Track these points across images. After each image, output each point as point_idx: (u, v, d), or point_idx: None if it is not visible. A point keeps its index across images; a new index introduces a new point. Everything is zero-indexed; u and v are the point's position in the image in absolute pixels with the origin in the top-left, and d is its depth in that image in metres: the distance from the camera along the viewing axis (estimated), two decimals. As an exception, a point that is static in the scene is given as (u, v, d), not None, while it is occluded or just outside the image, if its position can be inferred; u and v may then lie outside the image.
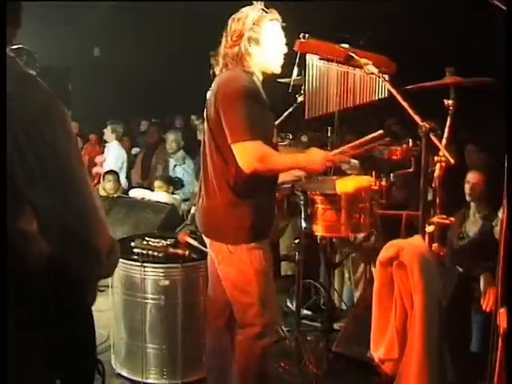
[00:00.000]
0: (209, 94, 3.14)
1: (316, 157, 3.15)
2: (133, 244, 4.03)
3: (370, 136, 3.41)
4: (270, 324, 3.21)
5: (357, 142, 3.42)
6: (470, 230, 4.38)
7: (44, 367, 1.70)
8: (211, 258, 3.30)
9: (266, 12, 3.08)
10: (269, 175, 3.11)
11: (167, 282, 3.86)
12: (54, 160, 1.60)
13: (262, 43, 3.07)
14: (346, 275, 5.10)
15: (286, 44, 3.21)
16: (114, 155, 8.53)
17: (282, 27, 3.17)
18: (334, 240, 4.32)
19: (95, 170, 8.60)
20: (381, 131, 3.42)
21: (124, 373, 4.06)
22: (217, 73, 3.18)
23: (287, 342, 4.25)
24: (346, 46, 3.78)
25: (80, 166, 1.69)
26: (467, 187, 4.52)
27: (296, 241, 4.06)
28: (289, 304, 5.11)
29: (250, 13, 3.05)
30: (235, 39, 3.04)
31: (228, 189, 3.06)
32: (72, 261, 1.69)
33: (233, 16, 3.10)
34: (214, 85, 3.11)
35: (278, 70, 3.21)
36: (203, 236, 3.31)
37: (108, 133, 8.66)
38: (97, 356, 1.85)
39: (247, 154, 2.91)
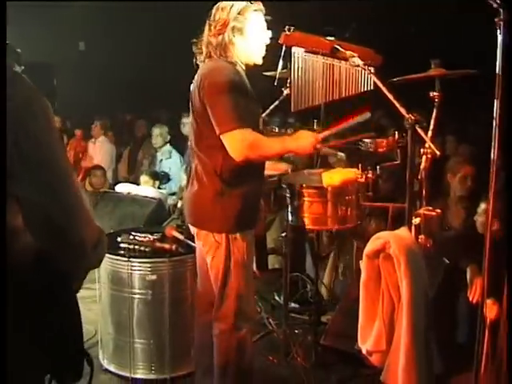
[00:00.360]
0: (192, 86, 3.14)
1: (305, 139, 3.15)
2: (119, 239, 4.01)
3: (359, 136, 3.42)
4: (244, 317, 3.21)
5: (345, 124, 3.39)
6: (454, 221, 4.39)
7: (32, 360, 1.69)
8: (200, 252, 3.29)
9: (251, 2, 3.08)
10: (258, 162, 3.12)
11: (154, 277, 3.85)
12: (37, 153, 1.60)
13: (245, 33, 3.08)
14: (340, 269, 5.10)
15: (272, 37, 3.20)
16: (105, 151, 8.51)
17: (268, 20, 3.16)
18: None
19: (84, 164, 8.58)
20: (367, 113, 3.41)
21: (112, 368, 4.04)
22: (199, 62, 3.18)
23: (275, 335, 4.26)
24: (331, 38, 3.77)
25: (64, 159, 1.69)
26: (455, 179, 4.54)
27: (283, 234, 4.05)
28: (276, 297, 5.11)
29: (234, 2, 3.05)
30: (219, 28, 3.04)
31: (215, 178, 3.06)
32: (58, 253, 1.68)
33: (217, 4, 3.09)
34: (197, 76, 3.10)
35: (259, 61, 3.20)
36: (190, 226, 3.31)
37: (96, 128, 8.62)
38: (84, 348, 1.84)
39: (237, 143, 2.91)
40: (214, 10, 3.08)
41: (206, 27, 3.10)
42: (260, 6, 3.13)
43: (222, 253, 3.11)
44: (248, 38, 3.09)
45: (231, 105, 2.90)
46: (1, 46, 1.62)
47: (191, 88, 3.16)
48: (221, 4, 3.08)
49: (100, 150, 8.61)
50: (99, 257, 1.82)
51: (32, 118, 1.60)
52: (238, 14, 3.03)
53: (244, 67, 3.16)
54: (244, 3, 3.06)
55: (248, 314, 3.26)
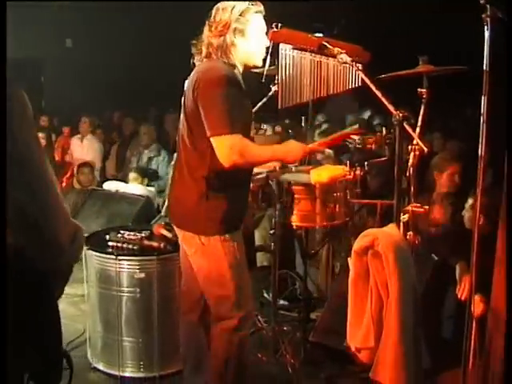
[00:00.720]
0: (187, 83, 3.10)
1: (293, 148, 3.16)
2: (107, 237, 3.99)
3: (346, 132, 3.42)
4: (247, 316, 3.21)
5: (333, 137, 3.42)
6: (440, 217, 4.39)
7: (10, 359, 1.68)
8: (183, 251, 3.28)
9: (252, 4, 3.05)
10: (246, 168, 3.11)
11: (143, 275, 3.84)
12: (13, 149, 1.58)
13: (247, 35, 3.04)
14: (337, 268, 5.09)
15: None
16: (94, 149, 8.49)
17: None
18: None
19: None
20: (356, 127, 3.43)
21: (100, 366, 4.03)
22: (197, 62, 3.14)
23: (264, 332, 4.26)
24: (319, 35, 3.76)
25: (41, 156, 1.68)
26: (441, 176, 4.55)
27: (271, 231, 4.05)
28: (265, 295, 5.11)
29: (236, 3, 3.02)
30: (221, 29, 2.99)
31: (202, 180, 3.03)
32: (35, 250, 1.68)
33: (217, 5, 3.05)
34: (193, 74, 3.06)
35: (260, 63, 3.19)
36: (175, 227, 3.29)
37: (84, 125, 8.60)
38: (63, 348, 1.84)
39: (226, 149, 2.88)
40: (214, 11, 3.04)
41: (206, 28, 3.06)
42: (261, 7, 3.10)
43: (211, 254, 3.09)
44: (249, 40, 3.06)
45: (225, 108, 2.87)
46: (1, 46, 1.61)
47: (185, 85, 3.13)
48: (221, 5, 3.04)
49: (88, 149, 8.59)
50: (77, 252, 1.82)
51: (9, 114, 1.59)
52: (240, 15, 3.00)
53: (242, 69, 3.13)
54: (245, 5, 3.03)
55: (249, 313, 3.26)
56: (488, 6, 2.72)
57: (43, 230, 1.66)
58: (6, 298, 1.58)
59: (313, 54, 3.78)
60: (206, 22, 3.07)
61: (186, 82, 3.13)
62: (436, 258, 4.16)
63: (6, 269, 1.57)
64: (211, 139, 2.90)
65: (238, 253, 3.14)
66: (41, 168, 1.67)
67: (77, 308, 4.81)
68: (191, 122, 3.03)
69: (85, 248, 3.96)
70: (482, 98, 2.74)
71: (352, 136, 3.51)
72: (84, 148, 8.65)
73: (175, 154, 3.36)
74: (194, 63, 3.16)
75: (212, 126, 2.89)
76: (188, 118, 3.06)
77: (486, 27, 2.73)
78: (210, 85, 2.92)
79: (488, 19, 2.72)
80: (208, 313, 3.28)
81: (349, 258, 3.03)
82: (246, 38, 3.05)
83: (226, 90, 2.89)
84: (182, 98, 3.15)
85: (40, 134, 8.37)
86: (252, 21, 3.06)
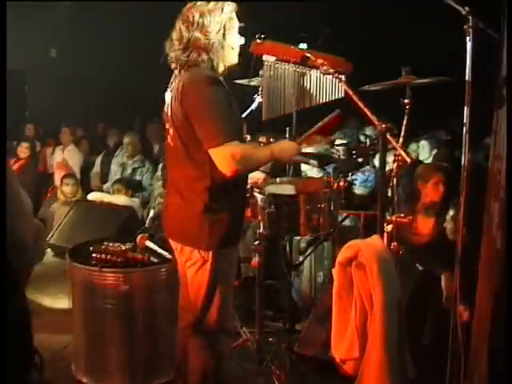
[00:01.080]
0: (170, 95, 3.04)
1: (287, 147, 3.16)
2: (91, 249, 3.97)
3: (327, 119, 3.38)
4: (225, 331, 3.19)
5: (317, 126, 3.39)
6: (423, 227, 4.40)
7: None
8: (182, 264, 3.22)
9: (228, 3, 3.01)
10: (242, 176, 3.07)
11: (126, 287, 3.81)
12: None
13: (233, 34, 3.03)
14: (320, 278, 5.09)
15: (245, 45, 3.17)
16: (74, 159, 8.46)
17: (242, 27, 3.12)
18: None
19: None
20: (336, 113, 3.40)
21: (85, 380, 3.98)
22: (176, 68, 3.07)
23: (249, 343, 4.24)
24: (304, 45, 3.77)
25: (5, 167, 1.70)
26: (426, 186, 4.56)
27: (256, 243, 4.04)
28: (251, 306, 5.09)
29: (223, 5, 2.97)
30: (211, 32, 2.94)
31: (203, 192, 2.96)
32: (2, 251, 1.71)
33: (199, 7, 2.96)
34: (177, 84, 2.97)
35: (236, 60, 3.13)
36: (171, 241, 3.20)
37: (66, 136, 8.56)
38: (32, 346, 1.85)
39: (227, 158, 2.82)
40: (196, 14, 2.94)
41: (189, 33, 2.96)
42: (235, 5, 3.05)
43: (207, 268, 3.03)
44: (234, 39, 3.04)
45: (218, 117, 2.83)
46: (1, 46, 1.61)
47: (167, 97, 3.09)
48: (204, 7, 2.96)
49: (69, 159, 8.55)
50: (40, 251, 1.89)
51: None
52: (229, 17, 2.98)
53: (223, 70, 3.07)
54: (231, 5, 3.00)
55: (228, 329, 3.24)
56: (470, 17, 2.75)
57: (9, 230, 1.71)
58: (6, 297, 1.61)
59: (296, 66, 3.79)
60: (185, 25, 2.97)
61: (169, 92, 3.08)
62: (421, 269, 4.18)
63: (5, 268, 1.61)
64: (209, 150, 2.84)
65: (231, 269, 3.14)
66: (5, 179, 1.70)
67: (61, 320, 4.77)
68: (183, 134, 2.96)
69: (68, 260, 3.94)
70: (465, 108, 2.76)
71: (336, 147, 3.51)
72: (69, 159, 8.62)
73: (160, 165, 3.33)
74: (172, 70, 3.10)
75: (209, 137, 2.83)
76: (179, 130, 2.98)
77: (467, 38, 2.76)
78: (199, 95, 2.87)
79: (470, 30, 2.74)
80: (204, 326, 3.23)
81: (333, 269, 3.03)
82: (232, 37, 3.02)
83: (217, 98, 2.86)
84: (166, 109, 3.10)
85: (24, 144, 8.35)
86: (234, 21, 3.04)
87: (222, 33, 2.97)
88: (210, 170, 2.91)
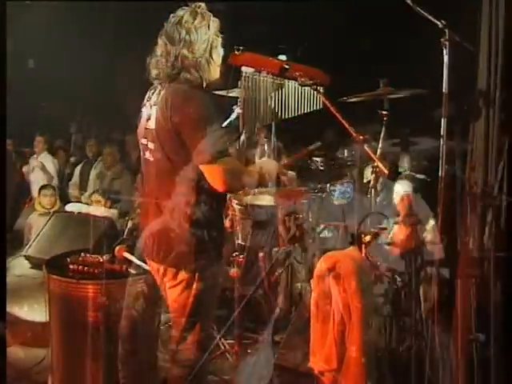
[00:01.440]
0: (155, 108, 2.98)
1: (271, 167, 3.16)
2: (68, 260, 3.93)
3: (310, 148, 3.42)
4: (203, 348, 3.12)
5: (301, 153, 3.42)
6: (402, 238, 4.41)
7: None
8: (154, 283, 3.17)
9: (212, 18, 3.00)
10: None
11: (104, 299, 3.78)
12: None
13: (217, 51, 3.02)
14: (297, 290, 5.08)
15: (224, 56, 3.17)
16: (48, 169, 8.40)
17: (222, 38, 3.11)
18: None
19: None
20: (319, 143, 3.44)
21: (61, 393, 3.95)
22: (157, 81, 3.04)
23: (227, 355, 4.23)
24: (283, 56, 3.79)
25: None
26: (403, 199, 4.58)
27: (234, 254, 4.03)
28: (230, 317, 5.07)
29: (208, 21, 2.96)
30: (199, 49, 2.93)
31: (187, 209, 2.90)
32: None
33: (189, 25, 2.93)
34: (164, 99, 2.93)
35: (219, 74, 3.12)
36: (150, 261, 3.14)
37: (39, 145, 8.51)
38: None
39: (221, 174, 2.80)
40: (182, 31, 2.91)
41: (176, 50, 2.93)
42: (218, 21, 3.03)
43: (191, 288, 2.96)
44: (219, 56, 3.04)
45: (212, 134, 2.77)
46: (1, 46, 1.61)
47: (146, 111, 3.06)
48: (192, 24, 2.93)
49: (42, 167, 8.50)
50: None
51: None
52: (215, 34, 2.97)
53: (205, 85, 3.03)
54: (215, 20, 2.98)
55: (206, 346, 3.16)
56: (446, 30, 2.78)
57: None
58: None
59: (274, 77, 3.81)
60: (170, 43, 2.94)
61: (147, 106, 3.06)
62: (399, 279, 4.19)
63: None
64: (201, 166, 2.81)
65: (214, 288, 3.07)
66: None
67: (38, 333, 4.71)
68: (169, 148, 2.91)
69: (45, 271, 3.90)
70: (442, 119, 2.79)
71: (314, 158, 3.53)
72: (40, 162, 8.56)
73: (138, 175, 3.30)
74: (151, 83, 3.08)
75: (201, 153, 2.78)
76: (164, 145, 2.92)
77: (444, 51, 2.79)
78: (192, 111, 2.82)
79: (446, 43, 2.78)
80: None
81: (311, 280, 3.03)
82: (218, 53, 3.02)
83: (210, 114, 2.83)
84: (144, 123, 3.05)
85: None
86: (220, 35, 3.03)
87: (209, 49, 2.96)
88: (196, 185, 2.87)
